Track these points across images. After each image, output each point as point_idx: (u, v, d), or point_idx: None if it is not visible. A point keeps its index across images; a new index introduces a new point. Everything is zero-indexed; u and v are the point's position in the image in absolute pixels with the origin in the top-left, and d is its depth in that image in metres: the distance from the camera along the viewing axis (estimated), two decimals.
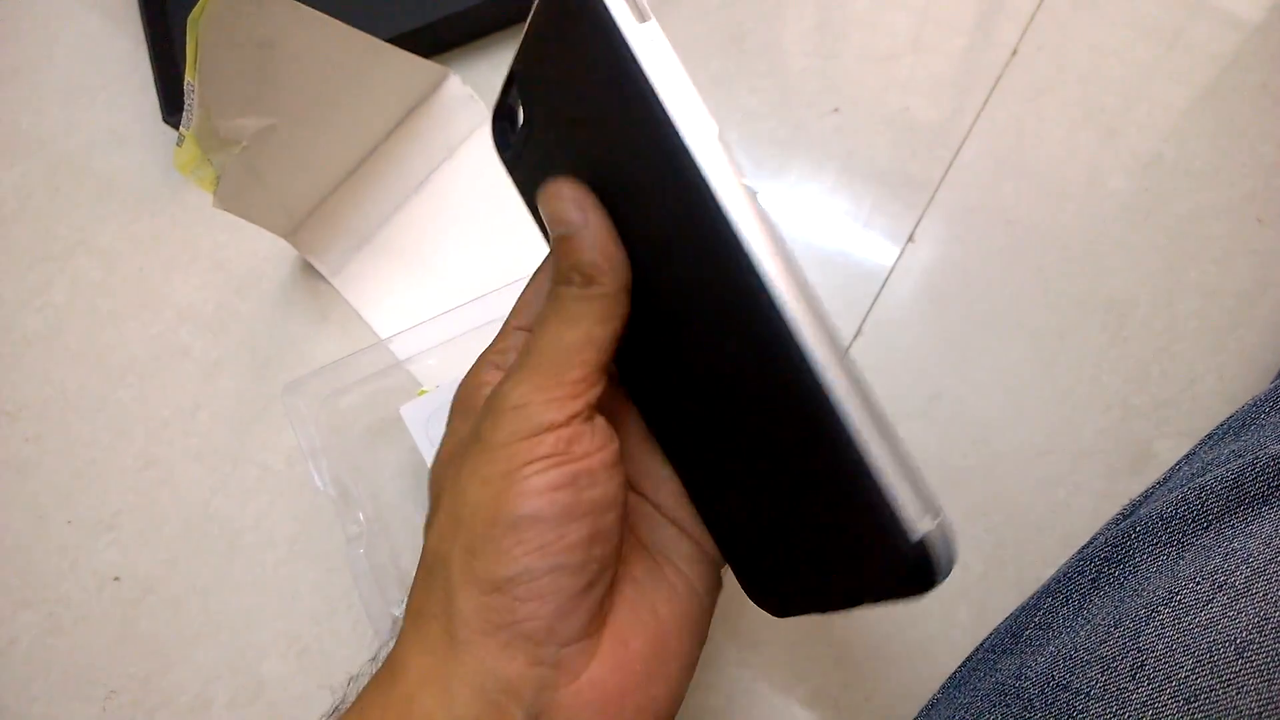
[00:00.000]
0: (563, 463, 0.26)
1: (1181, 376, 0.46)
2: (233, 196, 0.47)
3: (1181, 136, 0.49)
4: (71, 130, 0.57)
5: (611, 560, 0.27)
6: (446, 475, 0.28)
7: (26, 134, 0.58)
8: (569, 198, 0.27)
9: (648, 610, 0.28)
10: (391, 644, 0.29)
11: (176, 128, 0.55)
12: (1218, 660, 0.29)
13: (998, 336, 0.48)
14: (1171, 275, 0.48)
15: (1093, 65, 0.51)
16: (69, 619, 0.51)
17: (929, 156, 0.51)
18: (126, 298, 0.55)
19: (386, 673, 0.27)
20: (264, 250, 0.54)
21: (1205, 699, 0.28)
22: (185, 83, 0.42)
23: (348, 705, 0.28)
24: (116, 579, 0.51)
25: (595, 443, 0.27)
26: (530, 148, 0.30)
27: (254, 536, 0.51)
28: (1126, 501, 0.45)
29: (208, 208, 0.55)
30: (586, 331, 0.27)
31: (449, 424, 0.31)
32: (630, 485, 0.31)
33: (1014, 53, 0.51)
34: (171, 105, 0.54)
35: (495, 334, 0.33)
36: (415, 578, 0.29)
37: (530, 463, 0.25)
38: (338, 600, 0.50)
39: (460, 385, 0.32)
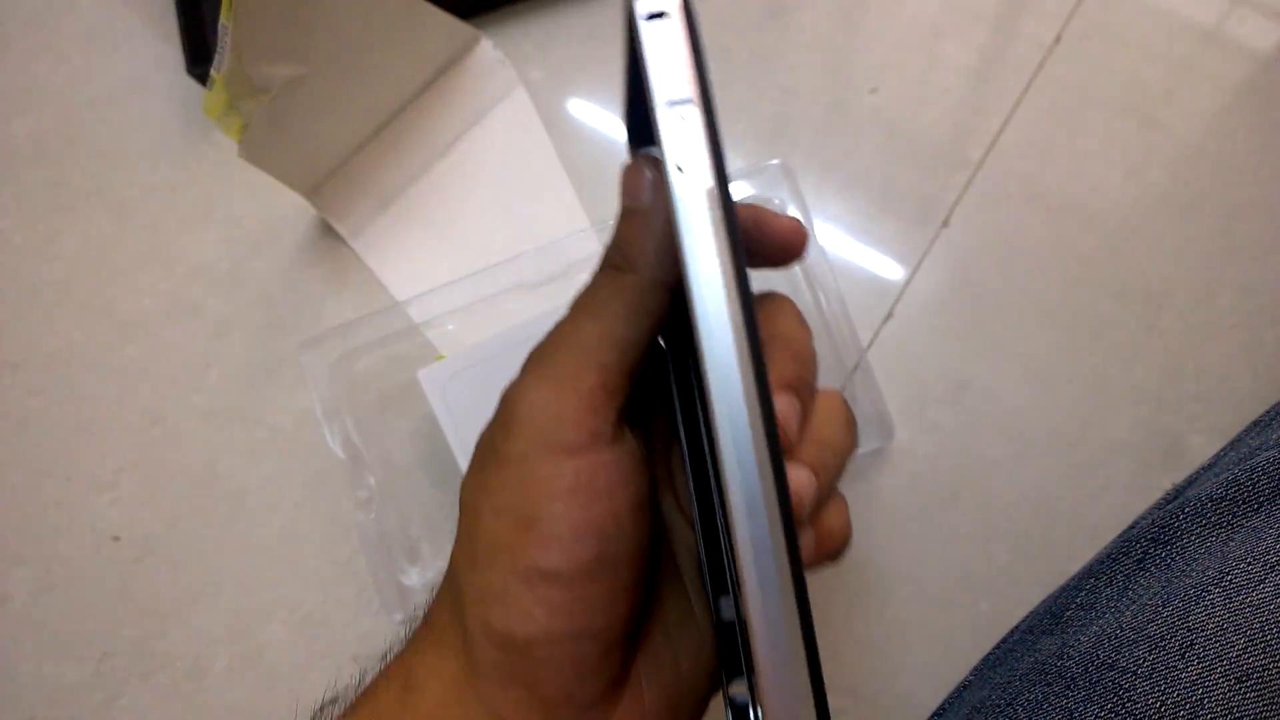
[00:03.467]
0: (587, 504, 0.23)
1: (1216, 372, 0.46)
2: (258, 148, 0.46)
3: (1223, 131, 0.49)
4: (91, 79, 0.56)
5: (638, 617, 0.25)
6: (469, 476, 0.26)
7: (44, 81, 0.57)
8: (647, 177, 0.25)
9: (670, 664, 0.26)
10: (403, 641, 0.27)
11: (200, 80, 0.54)
12: (1270, 640, 0.28)
13: (1031, 325, 0.47)
14: (1209, 270, 0.47)
15: (1135, 56, 0.50)
16: (64, 577, 0.50)
17: (967, 141, 0.50)
18: (139, 251, 0.53)
19: (400, 684, 0.26)
20: (282, 209, 0.53)
21: (1258, 678, 0.28)
22: (219, 24, 0.41)
23: (350, 702, 0.26)
24: (116, 538, 0.50)
25: (622, 474, 0.24)
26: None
27: (259, 499, 0.50)
28: (1157, 495, 0.44)
29: (226, 163, 0.54)
30: (609, 326, 0.24)
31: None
32: (675, 498, 0.29)
33: (1057, 40, 0.51)
34: (195, 57, 0.53)
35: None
36: (439, 587, 0.27)
37: (551, 500, 0.23)
38: (343, 567, 0.48)
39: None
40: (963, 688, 0.38)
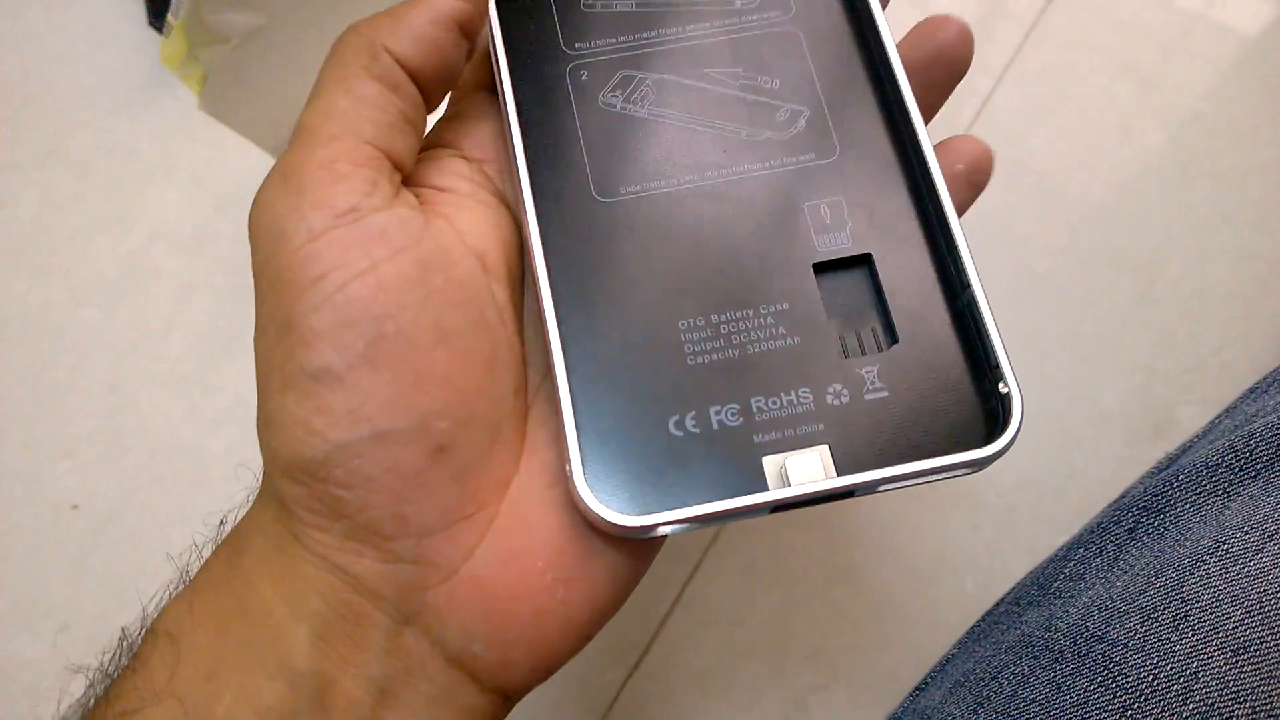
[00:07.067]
0: (344, 284, 0.20)
1: (1209, 342, 0.45)
2: (219, 100, 0.44)
3: (1221, 94, 0.47)
4: (48, 31, 0.54)
5: (469, 416, 0.21)
6: None
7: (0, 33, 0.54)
8: None
9: (565, 484, 0.21)
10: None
11: (160, 32, 0.52)
12: (1269, 611, 0.27)
13: (1019, 292, 0.46)
14: (1204, 237, 0.46)
15: (1131, 16, 0.49)
16: (20, 548, 0.48)
17: (956, 102, 0.48)
18: (97, 212, 0.51)
19: (228, 547, 0.22)
20: (248, 168, 0.51)
21: (1255, 650, 0.26)
22: None
23: (191, 578, 0.23)
24: (74, 507, 0.48)
25: (387, 242, 0.20)
26: None
27: (223, 469, 0.48)
28: (1147, 467, 0.43)
29: (189, 120, 0.52)
30: (318, 102, 0.22)
31: None
32: None
33: None
34: (156, 8, 0.51)
35: None
36: None
37: (300, 292, 0.20)
38: None
39: None
40: (946, 661, 0.36)
